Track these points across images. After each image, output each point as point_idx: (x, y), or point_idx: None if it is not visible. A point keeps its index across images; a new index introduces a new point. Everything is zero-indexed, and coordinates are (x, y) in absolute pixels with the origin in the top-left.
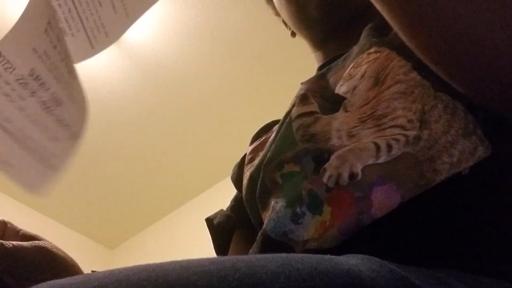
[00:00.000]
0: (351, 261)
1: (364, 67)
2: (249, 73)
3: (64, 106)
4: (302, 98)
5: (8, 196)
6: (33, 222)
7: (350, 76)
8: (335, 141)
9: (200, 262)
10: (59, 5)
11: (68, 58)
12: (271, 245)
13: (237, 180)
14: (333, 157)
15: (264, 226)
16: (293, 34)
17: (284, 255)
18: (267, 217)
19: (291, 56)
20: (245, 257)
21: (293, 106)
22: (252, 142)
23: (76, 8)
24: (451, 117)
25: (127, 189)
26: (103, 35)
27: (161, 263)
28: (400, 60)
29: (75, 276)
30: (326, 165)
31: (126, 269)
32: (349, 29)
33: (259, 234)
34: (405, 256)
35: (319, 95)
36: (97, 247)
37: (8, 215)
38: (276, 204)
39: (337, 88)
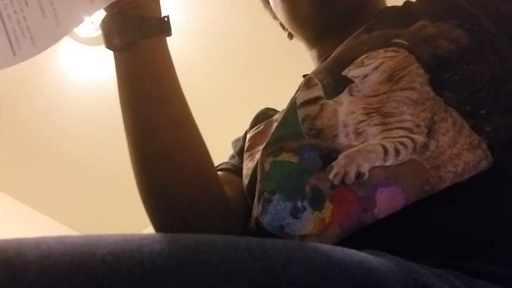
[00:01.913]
0: (361, 252)
1: (379, 60)
2: (248, 73)
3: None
4: (307, 81)
5: (9, 196)
6: (32, 221)
7: (363, 64)
8: (342, 139)
9: (213, 240)
10: None
11: None
12: (265, 238)
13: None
14: (341, 156)
15: (259, 218)
16: (290, 36)
17: (297, 242)
18: (264, 209)
19: (291, 57)
20: (259, 240)
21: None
22: (251, 128)
23: None
24: (457, 134)
25: (128, 189)
26: (28, 41)
27: (174, 235)
28: (419, 68)
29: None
30: (334, 163)
31: (146, 236)
32: (344, 25)
33: (253, 224)
34: (405, 257)
35: (325, 75)
36: None
37: (8, 214)
38: (272, 197)
39: (345, 70)
